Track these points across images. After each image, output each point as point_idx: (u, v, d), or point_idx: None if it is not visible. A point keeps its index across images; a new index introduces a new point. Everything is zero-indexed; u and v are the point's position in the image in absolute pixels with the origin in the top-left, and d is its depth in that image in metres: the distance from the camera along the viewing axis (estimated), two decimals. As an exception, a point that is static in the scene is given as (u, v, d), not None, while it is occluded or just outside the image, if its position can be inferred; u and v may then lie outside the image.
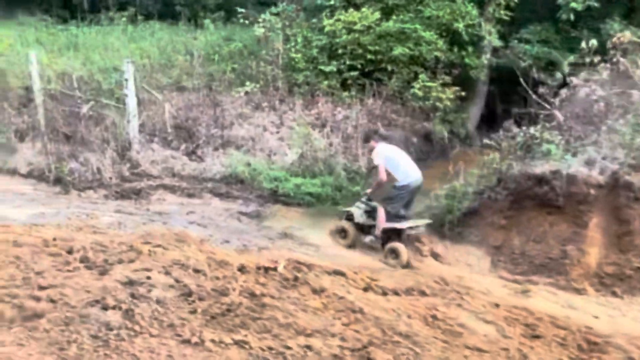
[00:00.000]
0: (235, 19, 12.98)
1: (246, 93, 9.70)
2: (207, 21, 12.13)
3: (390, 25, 10.26)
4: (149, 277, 3.19)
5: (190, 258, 3.63)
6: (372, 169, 6.68)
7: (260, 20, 10.51)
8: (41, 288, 3.31)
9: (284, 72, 10.83)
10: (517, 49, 10.38)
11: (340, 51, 10.81)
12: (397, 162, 6.14)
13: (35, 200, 7.23)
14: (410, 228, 6.16)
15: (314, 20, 11.46)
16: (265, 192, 7.79)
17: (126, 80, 7.86)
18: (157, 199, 7.47)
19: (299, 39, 10.73)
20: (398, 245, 5.90)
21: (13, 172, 7.99)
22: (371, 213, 6.34)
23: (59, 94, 8.39)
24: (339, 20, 10.62)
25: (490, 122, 11.70)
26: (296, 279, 3.37)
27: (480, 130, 11.90)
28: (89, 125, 8.20)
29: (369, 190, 6.51)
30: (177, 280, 3.22)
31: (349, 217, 6.48)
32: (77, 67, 9.64)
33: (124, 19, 16.31)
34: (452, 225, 6.35)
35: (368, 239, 6.34)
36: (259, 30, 10.38)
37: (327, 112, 10.29)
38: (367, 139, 6.66)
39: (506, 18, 11.00)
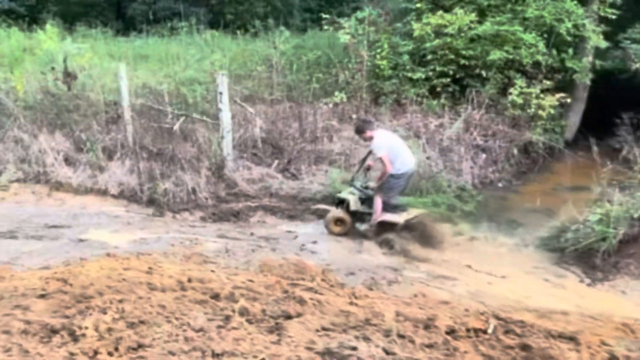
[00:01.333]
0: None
1: (335, 104, 9.10)
2: (282, 28, 11.61)
3: (487, 27, 9.47)
4: (353, 348, 2.56)
5: (378, 315, 2.99)
6: (368, 155, 6.56)
7: (345, 26, 9.91)
8: (216, 355, 2.74)
9: (368, 81, 10.21)
10: (629, 50, 9.40)
11: (429, 57, 10.10)
12: (397, 151, 6.08)
13: (131, 224, 6.82)
14: (407, 221, 6.10)
15: (398, 24, 10.79)
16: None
17: (220, 93, 7.38)
18: (257, 222, 6.94)
19: (385, 45, 10.07)
20: (392, 237, 5.97)
21: (104, 192, 7.62)
22: (365, 201, 6.34)
23: (147, 109, 7.98)
24: (428, 24, 9.91)
25: (590, 129, 10.75)
26: (524, 347, 2.68)
27: (577, 139, 10.95)
28: (179, 142, 7.75)
29: (372, 184, 6.44)
30: (386, 352, 2.58)
31: (340, 203, 6.43)
32: (159, 79, 9.27)
33: (185, 29, 16.11)
34: (606, 255, 5.52)
35: (363, 227, 6.33)
36: (344, 37, 9.79)
37: (418, 122, 9.60)
38: (361, 130, 6.31)
39: (612, 16, 10.03)
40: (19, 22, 14.98)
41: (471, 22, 9.67)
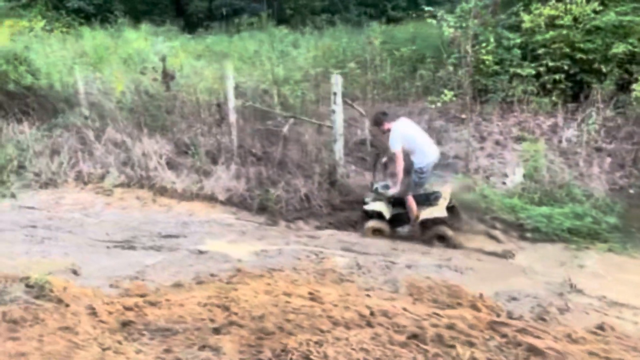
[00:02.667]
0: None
1: (444, 103, 8.46)
2: (373, 24, 11.02)
3: (612, 17, 8.57)
4: None
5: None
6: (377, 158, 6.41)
7: (449, 18, 9.21)
8: None
9: (470, 77, 9.48)
10: None
11: (540, 51, 9.27)
12: (415, 143, 5.83)
13: (245, 233, 6.45)
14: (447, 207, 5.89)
15: (502, 16, 10.00)
16: (500, 225, 6.49)
17: (334, 94, 6.88)
18: (379, 233, 6.39)
19: (491, 39, 9.31)
20: (444, 230, 5.85)
21: (210, 198, 7.28)
22: (395, 202, 6.10)
23: (252, 110, 7.59)
24: (540, 14, 9.09)
25: None
26: None
27: None
28: (287, 145, 7.32)
29: (393, 190, 6.07)
30: None
31: (372, 215, 6.15)
32: (253, 79, 8.87)
33: (253, 24, 15.76)
34: None
35: (406, 230, 6.08)
36: (448, 30, 9.09)
37: (530, 122, 8.83)
38: (379, 122, 6.04)
39: None
40: (91, 21, 15.02)
41: (592, 12, 8.78)
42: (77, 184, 7.93)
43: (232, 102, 7.51)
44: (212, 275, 5.14)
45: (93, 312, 3.49)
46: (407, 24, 13.96)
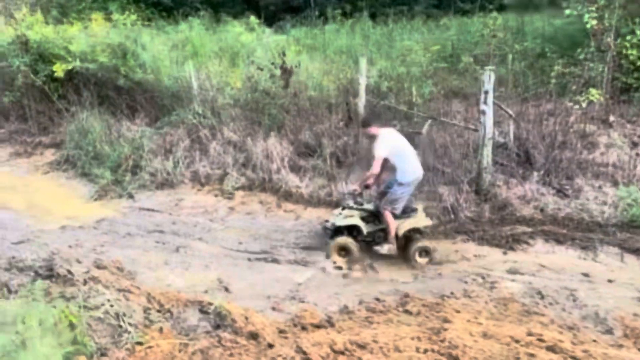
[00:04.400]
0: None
1: (589, 103, 7.53)
2: (495, 14, 10.12)
3: None
4: None
5: None
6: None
7: (592, 8, 8.24)
8: None
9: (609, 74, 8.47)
10: None
11: (696, 44, 8.16)
12: (404, 156, 5.33)
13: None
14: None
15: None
16: None
17: (486, 92, 6.14)
18: (544, 252, 5.63)
19: (638, 31, 8.26)
20: (425, 243, 5.37)
21: (338, 205, 6.71)
22: (370, 217, 5.50)
23: (384, 109, 6.95)
24: (701, 2, 7.97)
25: None
26: None
27: None
28: (425, 149, 6.64)
29: (353, 186, 5.69)
30: None
31: (337, 231, 5.44)
32: (369, 74, 8.21)
33: (338, 17, 15.08)
34: None
35: (385, 248, 5.40)
36: (591, 22, 8.13)
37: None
38: (367, 124, 5.49)
39: None
40: (173, 14, 14.76)
41: None
42: (194, 185, 7.57)
43: (363, 101, 6.91)
44: (377, 300, 4.57)
45: (306, 358, 2.95)
46: (484, 16, 13.12)
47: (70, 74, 8.91)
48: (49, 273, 3.84)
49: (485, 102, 6.22)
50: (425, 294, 4.70)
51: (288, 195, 7.02)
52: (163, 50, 9.48)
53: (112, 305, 3.25)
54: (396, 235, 5.35)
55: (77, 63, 8.73)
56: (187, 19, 13.05)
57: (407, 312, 4.24)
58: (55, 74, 8.65)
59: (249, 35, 9.66)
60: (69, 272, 3.77)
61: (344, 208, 5.61)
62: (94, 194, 7.58)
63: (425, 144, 6.59)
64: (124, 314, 3.19)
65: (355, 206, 5.53)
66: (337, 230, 5.47)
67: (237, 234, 6.32)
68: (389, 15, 15.33)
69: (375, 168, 5.24)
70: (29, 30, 9.31)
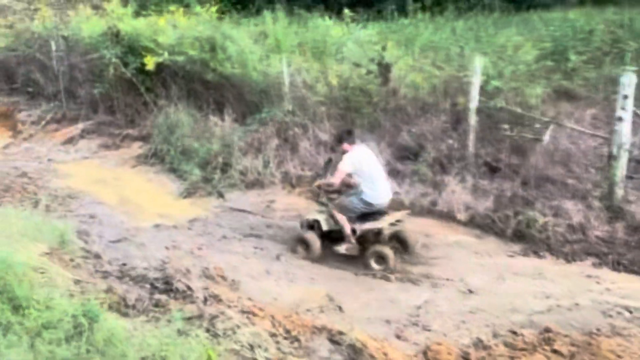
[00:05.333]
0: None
1: None
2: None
3: None
4: None
5: None
6: (328, 165, 5.85)
7: None
8: None
9: None
10: None
11: None
12: (372, 179, 5.29)
13: (506, 267, 5.22)
14: (392, 224, 5.42)
15: None
16: None
17: (625, 97, 5.39)
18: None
19: None
20: (384, 249, 5.18)
21: (445, 216, 6.18)
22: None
23: (497, 111, 6.33)
24: None
25: None
26: None
27: None
28: (544, 158, 5.98)
29: (318, 183, 5.72)
30: None
31: (312, 226, 5.55)
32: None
33: (417, 11, 14.33)
34: None
35: (343, 247, 5.35)
36: None
37: None
38: (340, 140, 5.56)
39: None
40: (247, 7, 14.52)
41: None
42: (284, 186, 7.25)
43: (475, 102, 6.31)
44: (513, 333, 4.03)
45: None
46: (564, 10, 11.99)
47: (158, 67, 8.80)
48: (166, 287, 3.55)
49: (623, 108, 5.47)
50: (566, 328, 4.10)
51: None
52: (249, 44, 9.20)
53: (243, 334, 2.90)
54: (354, 233, 5.29)
55: (167, 56, 8.60)
56: (263, 12, 12.82)
57: (556, 352, 3.67)
58: (146, 67, 8.56)
59: (339, 29, 9.22)
60: (188, 287, 3.47)
61: (320, 203, 5.69)
62: (184, 191, 7.41)
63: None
64: (259, 345, 2.83)
65: (326, 202, 5.55)
66: (311, 225, 5.55)
67: (335, 242, 5.93)
68: (462, 9, 14.48)
69: (336, 180, 5.33)
70: (119, 22, 9.30)
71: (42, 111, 10.71)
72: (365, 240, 5.32)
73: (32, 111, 10.94)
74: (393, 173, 6.81)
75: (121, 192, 7.44)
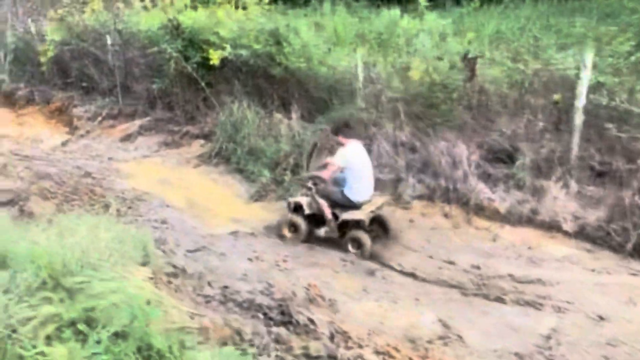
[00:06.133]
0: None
1: None
2: None
3: None
4: None
5: None
6: (313, 149, 6.41)
7: None
8: None
9: None
10: None
11: None
12: (358, 175, 5.46)
13: (631, 288, 4.63)
14: (372, 212, 5.52)
15: None
16: None
17: None
18: None
19: None
20: (360, 234, 5.36)
21: (547, 226, 5.61)
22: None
23: (603, 110, 5.67)
24: None
25: None
26: None
27: None
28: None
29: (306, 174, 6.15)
30: None
31: (297, 209, 5.74)
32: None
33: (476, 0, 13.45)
34: None
35: (323, 231, 5.61)
36: None
37: None
38: (337, 131, 5.68)
39: None
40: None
41: None
42: (361, 189, 6.76)
43: (582, 100, 5.67)
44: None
45: None
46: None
47: (221, 62, 8.40)
48: (283, 318, 3.12)
49: None
50: None
51: (478, 210, 6.00)
52: (312, 37, 8.70)
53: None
54: (336, 219, 5.51)
55: (231, 50, 8.19)
56: (311, 2, 12.27)
57: None
58: (211, 62, 8.16)
59: (410, 20, 8.63)
60: (311, 321, 3.03)
61: (306, 187, 5.83)
62: (254, 194, 7.03)
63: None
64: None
65: (310, 186, 5.70)
66: (296, 207, 5.73)
67: (427, 254, 5.43)
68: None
69: (327, 173, 5.50)
70: (179, 14, 8.94)
71: (98, 106, 10.50)
72: (345, 226, 5.50)
73: (87, 106, 10.75)
74: (483, 177, 6.26)
75: (187, 194, 7.09)
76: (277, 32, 8.36)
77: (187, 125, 9.07)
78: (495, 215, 5.89)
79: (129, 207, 6.46)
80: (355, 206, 5.48)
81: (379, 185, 6.74)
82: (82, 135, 9.81)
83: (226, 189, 7.33)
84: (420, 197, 6.36)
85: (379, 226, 5.68)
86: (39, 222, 4.57)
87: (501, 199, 5.95)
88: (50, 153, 8.92)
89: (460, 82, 6.85)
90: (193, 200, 6.93)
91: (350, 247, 5.40)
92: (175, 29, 8.69)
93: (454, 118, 6.85)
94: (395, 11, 9.00)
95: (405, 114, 7.24)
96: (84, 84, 11.24)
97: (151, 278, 3.15)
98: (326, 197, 5.57)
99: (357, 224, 5.40)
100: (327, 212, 5.52)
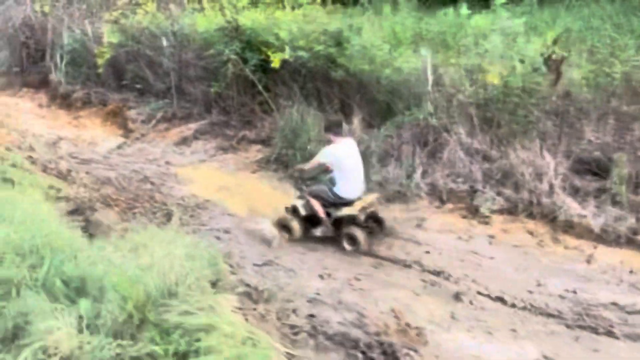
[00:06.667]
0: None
1: None
2: None
3: None
4: None
5: None
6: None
7: None
8: None
9: None
10: None
11: None
12: (345, 173, 5.54)
13: None
14: (364, 209, 5.54)
15: None
16: None
17: None
18: None
19: None
20: (355, 231, 5.42)
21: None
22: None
23: None
24: None
25: None
26: None
27: None
28: None
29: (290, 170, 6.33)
30: None
31: (294, 211, 5.81)
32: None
33: None
34: None
35: (319, 230, 5.70)
36: None
37: None
38: (328, 130, 5.79)
39: None
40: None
41: None
42: (432, 200, 6.34)
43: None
44: None
45: None
46: None
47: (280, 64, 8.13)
48: (384, 358, 2.75)
49: None
50: None
51: (567, 227, 5.46)
52: (372, 38, 8.29)
53: None
54: (329, 217, 5.60)
55: (291, 52, 7.90)
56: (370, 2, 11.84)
57: None
58: (272, 64, 7.89)
59: (480, 19, 8.10)
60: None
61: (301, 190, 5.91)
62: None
63: None
64: None
65: (303, 188, 5.84)
66: (294, 210, 5.79)
67: (513, 276, 4.95)
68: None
69: (307, 167, 5.72)
70: (237, 15, 8.72)
71: (152, 109, 10.42)
72: (340, 224, 5.54)
73: (142, 109, 10.69)
74: (572, 191, 5.72)
75: (248, 202, 6.82)
76: (340, 33, 8.01)
77: (244, 129, 8.84)
78: (587, 234, 5.35)
79: (191, 216, 6.27)
80: (346, 203, 5.54)
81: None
82: (137, 138, 9.74)
83: (286, 196, 7.00)
84: (499, 211, 5.87)
85: (374, 222, 5.75)
86: (110, 237, 4.38)
87: (594, 216, 5.40)
88: (107, 156, 8.87)
89: (541, 86, 6.33)
90: (254, 208, 6.65)
91: (345, 244, 5.45)
92: (235, 30, 8.47)
93: (534, 125, 6.34)
94: (463, 9, 8.47)
95: (479, 119, 6.77)
96: (138, 86, 11.20)
97: (240, 309, 2.84)
98: (319, 197, 5.64)
99: (351, 221, 5.47)
100: (321, 212, 5.61)
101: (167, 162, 8.38)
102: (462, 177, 6.35)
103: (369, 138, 7.07)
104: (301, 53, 7.94)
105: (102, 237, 4.42)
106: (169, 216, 5.98)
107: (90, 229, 4.63)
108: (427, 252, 5.39)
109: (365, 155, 6.82)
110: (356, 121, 7.47)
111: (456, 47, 8.01)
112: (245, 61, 8.50)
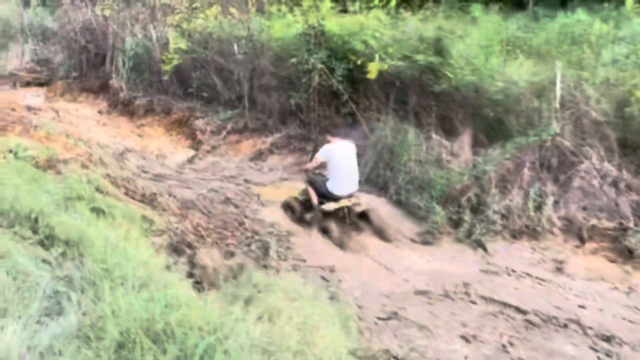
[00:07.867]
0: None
1: None
2: None
3: None
4: None
5: None
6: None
7: None
8: None
9: None
10: None
11: None
12: (340, 173, 5.98)
13: None
14: (347, 206, 6.00)
15: None
16: None
17: None
18: None
19: None
20: (329, 224, 5.87)
21: None
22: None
23: None
24: None
25: None
26: None
27: None
28: None
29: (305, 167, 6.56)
30: None
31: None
32: None
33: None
34: None
35: (309, 215, 6.18)
36: None
37: None
38: (326, 131, 6.71)
39: None
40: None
41: None
42: (568, 238, 5.41)
43: None
44: None
45: None
46: None
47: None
48: None
49: None
50: None
51: None
52: (475, 46, 7.37)
53: None
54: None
55: (386, 61, 7.09)
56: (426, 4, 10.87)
57: None
58: (368, 75, 7.11)
59: (602, 25, 7.10)
60: None
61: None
62: (424, 235, 5.87)
63: None
64: None
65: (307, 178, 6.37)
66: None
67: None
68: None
69: (310, 165, 6.26)
70: (323, 20, 7.97)
71: (221, 119, 9.80)
72: (330, 215, 5.91)
73: (209, 118, 10.09)
74: None
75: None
76: (441, 41, 7.16)
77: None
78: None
79: (287, 248, 5.53)
80: (334, 199, 5.93)
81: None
82: (207, 151, 9.12)
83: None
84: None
85: (363, 220, 6.02)
86: (221, 288, 3.68)
87: None
88: (179, 171, 8.27)
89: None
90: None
91: (320, 233, 5.88)
92: (320, 36, 7.72)
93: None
94: (582, 14, 7.47)
95: (617, 141, 5.80)
96: (205, 94, 10.61)
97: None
98: (315, 187, 6.10)
99: (332, 214, 5.89)
100: (314, 200, 6.06)
101: (246, 180, 7.68)
102: (604, 211, 5.39)
103: (482, 161, 6.18)
104: (399, 62, 7.12)
105: (214, 288, 3.72)
106: (264, 249, 5.25)
107: (196, 275, 3.93)
108: (582, 307, 4.47)
109: (479, 180, 5.98)
110: (466, 139, 6.61)
111: (581, 57, 6.99)
112: (331, 70, 7.73)
